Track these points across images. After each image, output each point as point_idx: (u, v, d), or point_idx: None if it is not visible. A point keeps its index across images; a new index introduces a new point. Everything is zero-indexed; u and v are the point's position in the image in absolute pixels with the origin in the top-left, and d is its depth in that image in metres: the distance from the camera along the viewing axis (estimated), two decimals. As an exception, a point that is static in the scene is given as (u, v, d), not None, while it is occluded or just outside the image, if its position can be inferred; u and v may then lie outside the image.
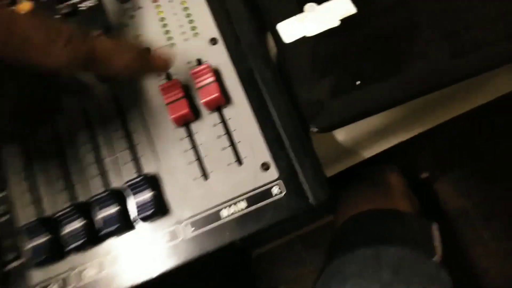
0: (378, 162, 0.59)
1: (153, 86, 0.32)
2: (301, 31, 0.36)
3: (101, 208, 0.28)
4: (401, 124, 0.42)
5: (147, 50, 0.33)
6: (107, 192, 0.28)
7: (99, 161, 0.31)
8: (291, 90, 0.32)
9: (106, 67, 0.26)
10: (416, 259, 0.41)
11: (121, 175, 0.30)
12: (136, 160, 0.30)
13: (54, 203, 0.30)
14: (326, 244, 0.49)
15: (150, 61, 0.28)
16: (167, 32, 0.34)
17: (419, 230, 0.45)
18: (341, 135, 0.40)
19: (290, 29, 0.36)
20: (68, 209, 0.28)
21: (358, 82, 0.32)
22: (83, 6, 0.36)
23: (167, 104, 0.30)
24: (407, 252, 0.41)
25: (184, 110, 0.30)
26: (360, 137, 0.41)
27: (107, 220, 0.28)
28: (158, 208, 0.28)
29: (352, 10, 0.36)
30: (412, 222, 0.46)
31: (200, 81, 0.30)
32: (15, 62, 0.23)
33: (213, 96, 0.30)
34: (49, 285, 0.28)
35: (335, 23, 0.36)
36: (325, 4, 0.37)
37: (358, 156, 0.43)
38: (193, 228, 0.28)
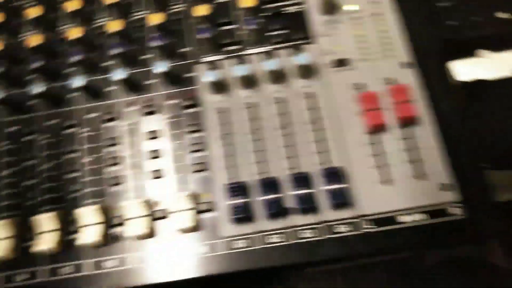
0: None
1: (348, 92, 0.36)
2: (475, 73, 0.40)
3: (295, 187, 0.32)
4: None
5: None
6: (304, 174, 0.32)
7: (290, 145, 0.35)
8: (467, 125, 0.36)
9: None
10: None
11: (312, 161, 0.34)
12: (327, 152, 0.34)
13: (246, 172, 0.34)
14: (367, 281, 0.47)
15: None
16: (362, 48, 0.38)
17: None
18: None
19: (463, 69, 0.40)
20: (265, 180, 0.32)
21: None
22: (287, 10, 0.41)
23: (365, 112, 0.34)
24: None
25: (381, 120, 0.33)
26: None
27: (300, 199, 0.32)
28: (348, 200, 0.32)
29: (529, 65, 0.39)
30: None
31: (396, 98, 0.34)
32: None
33: (410, 114, 0.33)
34: (237, 241, 0.32)
35: (509, 73, 0.39)
36: (500, 54, 0.40)
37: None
38: (372, 225, 0.32)
